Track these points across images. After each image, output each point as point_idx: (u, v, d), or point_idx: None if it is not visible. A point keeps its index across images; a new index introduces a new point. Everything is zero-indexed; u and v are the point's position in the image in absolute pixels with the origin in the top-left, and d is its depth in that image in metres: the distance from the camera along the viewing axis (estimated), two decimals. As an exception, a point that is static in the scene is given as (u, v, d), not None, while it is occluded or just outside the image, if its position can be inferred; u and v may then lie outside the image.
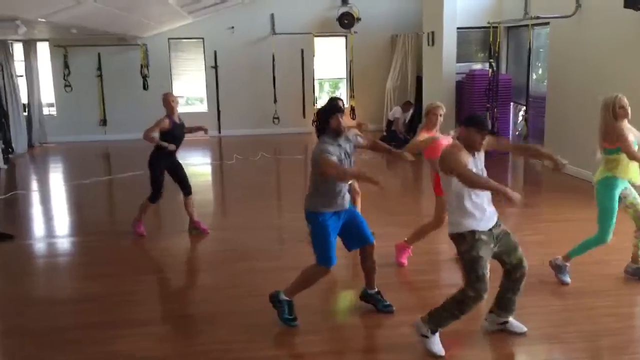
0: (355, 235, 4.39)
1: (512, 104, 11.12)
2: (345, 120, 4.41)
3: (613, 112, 4.60)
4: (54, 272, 5.79)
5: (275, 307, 4.32)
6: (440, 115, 5.21)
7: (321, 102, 14.75)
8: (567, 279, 4.99)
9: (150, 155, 6.31)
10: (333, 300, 4.98)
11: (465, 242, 3.75)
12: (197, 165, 10.86)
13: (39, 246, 6.65)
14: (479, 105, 10.75)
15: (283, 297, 4.32)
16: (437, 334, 3.86)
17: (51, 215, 8.03)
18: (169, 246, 6.38)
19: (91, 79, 13.47)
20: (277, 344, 4.12)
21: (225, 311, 4.60)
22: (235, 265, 5.61)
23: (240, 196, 8.64)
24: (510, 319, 4.14)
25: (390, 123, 12.35)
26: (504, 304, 4.07)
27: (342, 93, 14.86)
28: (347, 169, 4.19)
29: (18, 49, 12.89)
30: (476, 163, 3.79)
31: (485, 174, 3.83)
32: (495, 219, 3.86)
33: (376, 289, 4.56)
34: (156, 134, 6.12)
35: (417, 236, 5.43)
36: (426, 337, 3.86)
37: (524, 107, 10.71)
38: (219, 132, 13.98)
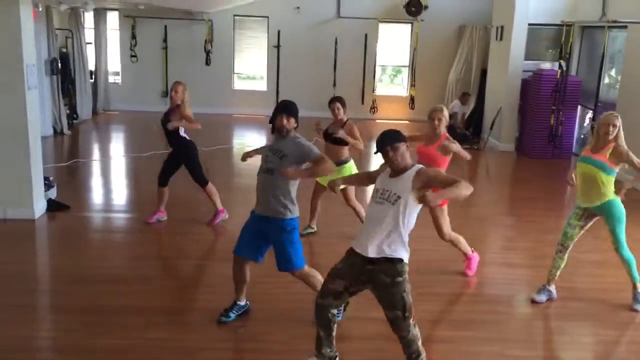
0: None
1: (579, 107, 10.67)
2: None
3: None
4: (105, 249, 5.94)
5: None
6: (439, 120, 5.03)
7: (381, 88, 14.61)
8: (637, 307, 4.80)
9: (187, 146, 6.25)
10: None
11: None
12: (251, 146, 10.94)
13: (93, 220, 6.86)
14: (544, 105, 10.37)
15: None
16: None
17: (109, 188, 8.29)
18: (225, 232, 6.32)
19: (156, 50, 13.73)
20: (309, 349, 4.09)
21: (263, 308, 4.60)
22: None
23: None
24: None
25: (449, 117, 12.05)
26: None
27: (404, 80, 14.64)
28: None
29: (89, 17, 13.24)
30: (385, 182, 3.52)
31: (389, 196, 3.42)
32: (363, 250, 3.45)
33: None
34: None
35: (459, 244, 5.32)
36: None
37: (592, 112, 10.26)
38: (277, 112, 14.02)
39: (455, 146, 4.94)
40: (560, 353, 4.31)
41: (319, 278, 4.17)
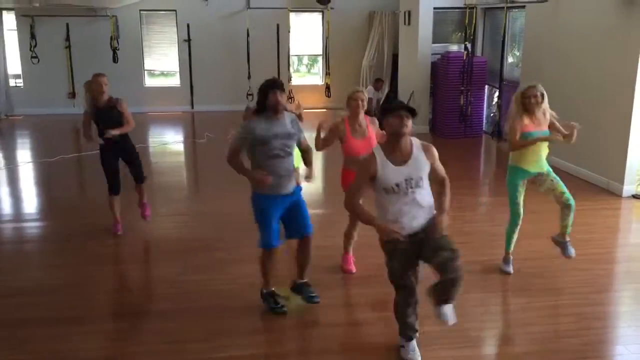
0: (294, 224, 4.26)
1: (486, 87, 11.05)
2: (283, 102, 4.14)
3: (518, 104, 4.83)
4: (13, 260, 5.59)
5: (264, 302, 4.42)
6: (362, 101, 4.80)
7: (297, 78, 14.59)
8: (509, 269, 5.09)
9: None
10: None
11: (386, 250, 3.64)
12: (169, 143, 10.68)
13: (1, 231, 6.44)
14: (453, 87, 10.67)
15: (263, 290, 4.42)
16: (413, 341, 3.78)
17: (16, 197, 7.81)
18: (133, 235, 6.12)
19: (59, 50, 13.11)
20: (230, 344, 4.02)
21: (181, 308, 4.50)
22: (197, 256, 5.48)
23: (208, 180, 8.52)
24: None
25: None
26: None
27: (319, 69, 14.68)
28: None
29: (-17, 18, 12.48)
30: (401, 171, 3.48)
31: (415, 178, 3.51)
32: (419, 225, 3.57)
33: (304, 280, 4.51)
34: (93, 131, 5.88)
35: (346, 242, 5.12)
36: (402, 346, 3.81)
37: (498, 91, 10.64)
38: (192, 108, 13.75)
39: None
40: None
41: None
